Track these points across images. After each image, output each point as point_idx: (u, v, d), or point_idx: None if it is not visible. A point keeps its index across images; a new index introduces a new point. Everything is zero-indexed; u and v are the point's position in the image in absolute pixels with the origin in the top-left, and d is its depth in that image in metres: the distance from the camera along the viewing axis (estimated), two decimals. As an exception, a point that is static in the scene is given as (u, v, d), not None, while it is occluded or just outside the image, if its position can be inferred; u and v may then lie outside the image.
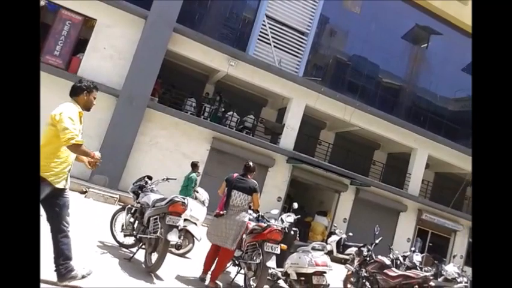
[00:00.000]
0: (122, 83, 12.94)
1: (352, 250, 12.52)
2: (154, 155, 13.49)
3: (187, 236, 6.56)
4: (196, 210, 6.86)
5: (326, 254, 6.08)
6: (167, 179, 6.52)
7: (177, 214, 5.09)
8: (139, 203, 5.91)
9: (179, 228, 5.15)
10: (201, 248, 7.07)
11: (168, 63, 14.02)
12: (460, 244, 18.99)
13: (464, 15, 19.04)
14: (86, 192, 10.81)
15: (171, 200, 5.17)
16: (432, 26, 19.31)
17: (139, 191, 6.07)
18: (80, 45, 13.05)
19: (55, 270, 3.53)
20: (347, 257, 12.21)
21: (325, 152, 17.52)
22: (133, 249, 5.70)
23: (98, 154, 3.62)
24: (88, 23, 13.15)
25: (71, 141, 3.32)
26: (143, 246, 5.41)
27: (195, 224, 6.75)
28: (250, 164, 5.71)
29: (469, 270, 13.04)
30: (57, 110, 3.47)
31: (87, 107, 3.75)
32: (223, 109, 15.60)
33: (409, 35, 19.30)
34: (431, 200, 18.45)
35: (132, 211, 5.96)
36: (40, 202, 3.21)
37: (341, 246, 13.33)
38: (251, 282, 5.43)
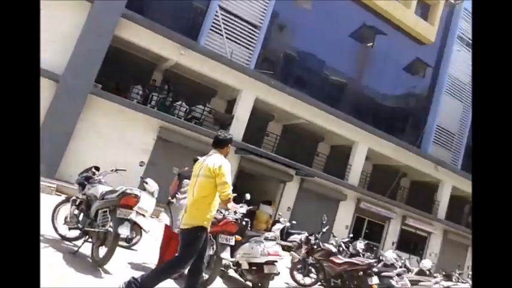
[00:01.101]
0: (64, 68, 12.32)
1: (296, 238, 12.92)
2: (96, 144, 12.96)
3: (134, 228, 6.48)
4: (145, 201, 6.75)
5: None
6: (116, 170, 6.24)
7: (129, 207, 5.05)
8: (85, 194, 5.72)
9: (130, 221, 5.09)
10: (148, 239, 7.11)
11: (114, 49, 13.57)
12: (393, 230, 20.53)
13: (407, 18, 20.31)
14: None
15: (122, 192, 5.08)
16: (378, 26, 20.35)
17: (86, 183, 5.86)
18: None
19: None
20: (290, 244, 12.63)
21: (273, 144, 17.97)
22: (78, 243, 5.53)
23: (235, 206, 4.59)
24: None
25: (229, 196, 3.86)
26: (89, 240, 5.28)
27: (143, 215, 6.72)
28: (198, 157, 5.91)
29: (402, 255, 14.23)
30: (215, 164, 3.90)
31: (226, 156, 4.19)
32: (171, 98, 15.40)
33: (356, 33, 20.19)
34: (369, 190, 19.69)
35: (77, 203, 5.78)
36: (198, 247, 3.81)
37: (284, 234, 13.79)
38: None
